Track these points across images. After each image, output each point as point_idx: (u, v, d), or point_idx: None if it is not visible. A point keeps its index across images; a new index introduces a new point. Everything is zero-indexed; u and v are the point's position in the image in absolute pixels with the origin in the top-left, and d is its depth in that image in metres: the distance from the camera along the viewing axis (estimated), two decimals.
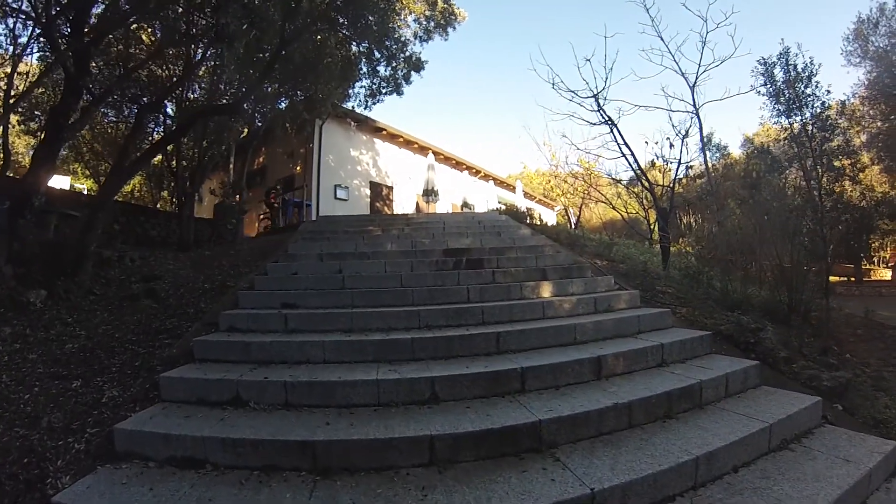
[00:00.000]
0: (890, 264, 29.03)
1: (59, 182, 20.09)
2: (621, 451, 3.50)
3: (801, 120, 12.42)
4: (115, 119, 17.78)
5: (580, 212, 23.99)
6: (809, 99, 12.37)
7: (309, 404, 4.05)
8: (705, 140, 16.11)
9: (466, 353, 4.95)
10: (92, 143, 18.78)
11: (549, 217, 31.65)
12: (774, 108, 14.09)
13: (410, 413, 3.88)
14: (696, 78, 10.40)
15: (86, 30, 9.09)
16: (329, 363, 4.75)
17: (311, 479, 3.22)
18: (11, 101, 12.47)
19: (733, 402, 4.53)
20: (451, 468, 3.32)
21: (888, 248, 28.29)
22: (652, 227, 17.73)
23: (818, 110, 12.58)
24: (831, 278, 9.07)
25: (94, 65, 12.58)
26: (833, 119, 14.25)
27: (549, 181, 29.94)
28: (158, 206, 21.64)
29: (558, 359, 4.69)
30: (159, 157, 18.26)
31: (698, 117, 10.57)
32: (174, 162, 15.93)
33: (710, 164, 14.72)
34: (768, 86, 13.52)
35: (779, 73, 13.21)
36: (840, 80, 31.85)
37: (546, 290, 6.95)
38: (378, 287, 6.96)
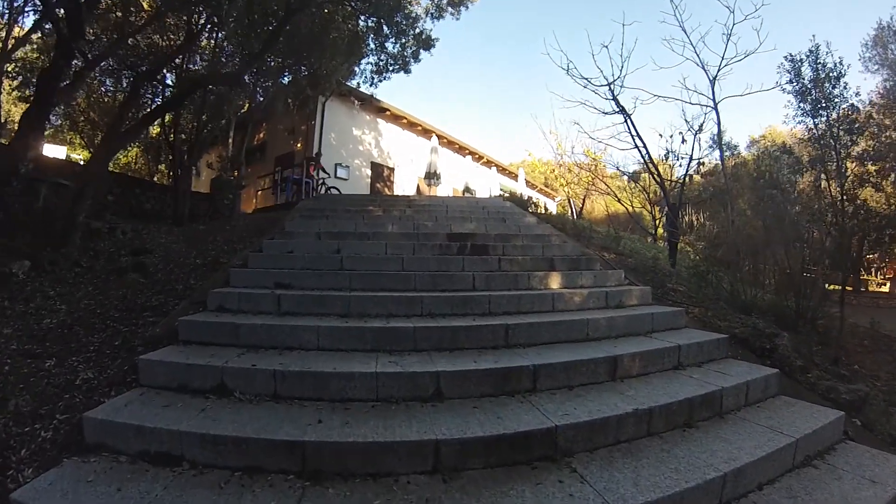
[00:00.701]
0: (888, 276, 28.66)
1: (55, 152, 19.67)
2: (642, 462, 3.17)
3: (828, 121, 12.07)
4: (112, 88, 17.41)
5: (583, 203, 23.62)
6: (837, 100, 12.02)
7: (300, 396, 3.70)
8: (717, 138, 15.77)
9: (473, 345, 4.59)
10: (88, 112, 18.34)
11: (550, 207, 31.29)
12: (800, 106, 13.75)
13: (412, 411, 3.53)
14: (718, 71, 9.98)
15: None
16: (323, 350, 4.39)
17: (300, 484, 2.86)
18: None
19: (754, 413, 4.23)
20: (457, 478, 2.96)
21: (888, 261, 27.90)
22: (657, 222, 17.45)
23: (845, 112, 12.23)
24: (827, 287, 8.75)
25: (90, 30, 12.22)
26: (862, 121, 13.83)
27: (553, 170, 29.55)
28: (155, 179, 21.23)
29: (571, 356, 4.35)
30: (157, 129, 18.02)
31: (717, 112, 10.18)
32: (172, 134, 15.57)
33: (723, 162, 14.34)
34: (795, 84, 13.12)
35: (807, 71, 12.82)
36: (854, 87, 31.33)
37: (555, 282, 6.61)
38: (378, 270, 6.58)
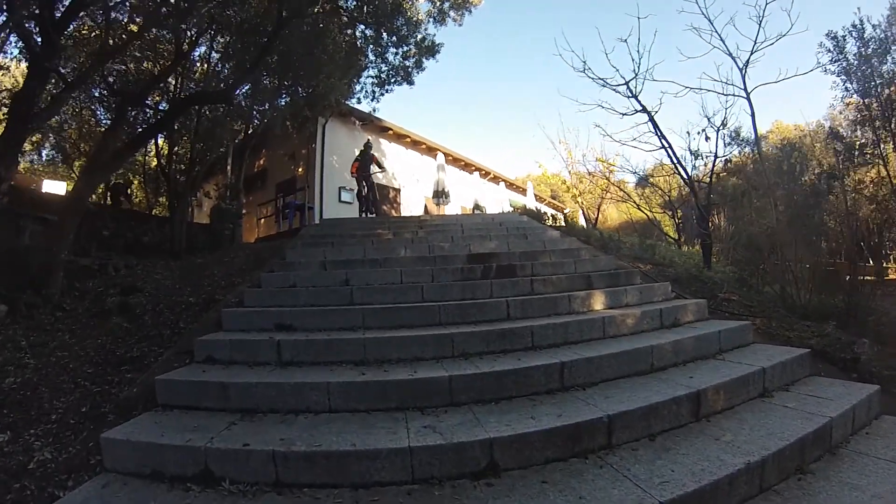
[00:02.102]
0: None
1: (55, 188, 18.91)
2: None
3: (879, 100, 11.18)
4: (105, 117, 16.70)
5: (598, 212, 22.79)
6: (887, 77, 11.15)
7: (311, 483, 2.78)
8: (735, 134, 14.90)
9: (523, 391, 3.68)
10: (79, 144, 17.61)
11: (560, 219, 30.57)
12: (846, 87, 12.92)
13: (462, 495, 2.64)
14: (750, 56, 9.08)
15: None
16: (337, 413, 3.47)
17: None
18: None
19: (865, 442, 3.52)
20: None
21: None
22: (679, 225, 16.59)
23: None
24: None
25: (69, 54, 11.57)
26: None
27: (564, 181, 28.85)
28: (154, 211, 20.51)
29: (646, 396, 3.49)
30: (153, 161, 17.34)
31: (749, 102, 9.27)
32: (167, 164, 14.89)
33: (747, 155, 13.45)
34: (839, 63, 12.25)
35: (851, 48, 11.96)
36: None
37: (598, 302, 5.70)
38: (395, 302, 5.67)
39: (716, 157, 10.52)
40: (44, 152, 20.05)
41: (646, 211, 17.34)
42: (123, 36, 11.51)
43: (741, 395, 3.83)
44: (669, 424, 3.36)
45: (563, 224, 13.16)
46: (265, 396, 3.59)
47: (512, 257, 7.50)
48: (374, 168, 15.31)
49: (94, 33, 11.83)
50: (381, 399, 3.53)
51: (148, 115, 14.11)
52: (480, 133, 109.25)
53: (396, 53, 15.34)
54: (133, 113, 13.29)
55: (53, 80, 10.30)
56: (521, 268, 6.86)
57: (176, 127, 14.53)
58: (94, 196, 18.11)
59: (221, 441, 3.01)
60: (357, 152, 15.53)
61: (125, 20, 11.92)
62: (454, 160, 24.22)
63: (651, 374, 4.13)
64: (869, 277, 9.12)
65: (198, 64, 15.25)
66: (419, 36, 15.06)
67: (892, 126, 11.03)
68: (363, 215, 15.22)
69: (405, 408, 3.48)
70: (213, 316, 5.67)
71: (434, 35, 15.71)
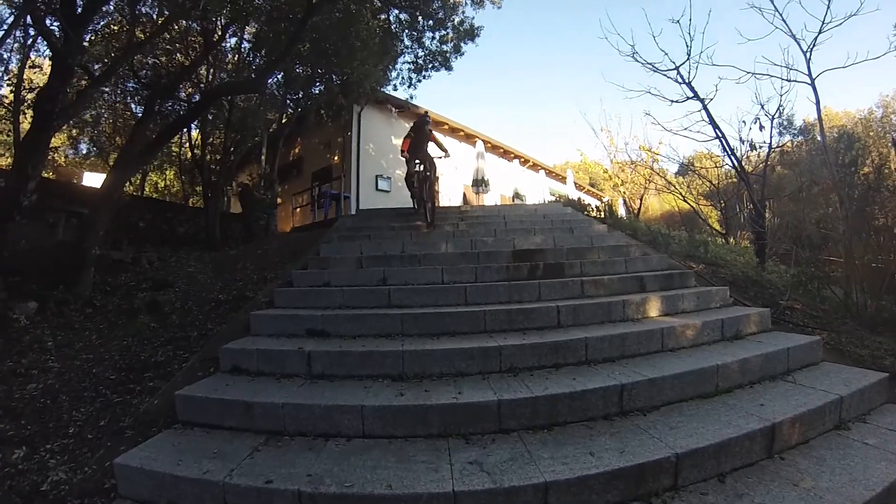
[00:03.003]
0: None
1: (97, 181, 19.02)
2: None
3: None
4: (138, 111, 16.71)
5: (640, 203, 22.16)
6: None
7: None
8: (788, 122, 14.16)
9: (578, 417, 3.28)
10: (113, 137, 17.61)
11: (593, 202, 30.02)
12: None
13: None
14: (816, 39, 8.37)
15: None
16: (371, 439, 3.12)
17: None
18: None
19: None
20: None
21: None
22: (729, 219, 15.93)
23: None
24: None
25: (95, 49, 11.53)
26: None
27: (606, 170, 28.26)
28: (190, 201, 20.50)
29: (715, 429, 3.06)
30: (188, 151, 17.29)
31: (815, 89, 8.53)
32: (202, 154, 14.91)
33: (800, 144, 12.75)
34: None
35: None
36: None
37: (654, 308, 5.23)
38: (436, 305, 5.29)
39: (770, 147, 9.89)
40: (82, 146, 20.11)
41: (692, 202, 16.69)
42: (150, 29, 11.37)
43: (817, 428, 3.38)
44: (741, 462, 2.95)
45: (607, 216, 12.59)
46: (293, 418, 3.26)
47: (559, 254, 7.04)
48: (434, 150, 10.87)
49: (123, 28, 11.70)
50: (422, 425, 3.16)
51: (179, 107, 14.01)
52: (521, 118, 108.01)
53: (433, 38, 14.99)
54: (164, 105, 13.18)
55: (86, 77, 10.18)
56: (569, 266, 6.41)
57: (210, 117, 14.43)
58: (129, 187, 18.22)
59: (242, 475, 2.68)
60: (409, 129, 11.28)
61: (154, 13, 11.81)
62: (493, 147, 23.64)
63: (716, 396, 3.68)
64: None
65: (230, 54, 15.10)
66: (457, 19, 14.68)
67: None
68: (416, 209, 11.32)
69: (448, 435, 3.11)
70: (242, 318, 5.36)
71: (473, 18, 15.28)
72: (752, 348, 4.40)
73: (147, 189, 23.55)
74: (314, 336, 4.69)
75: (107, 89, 13.94)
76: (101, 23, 11.63)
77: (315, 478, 2.61)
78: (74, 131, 17.63)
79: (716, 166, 13.96)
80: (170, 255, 10.39)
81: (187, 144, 17.73)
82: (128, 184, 17.71)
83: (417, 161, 10.41)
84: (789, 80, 8.93)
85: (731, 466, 2.91)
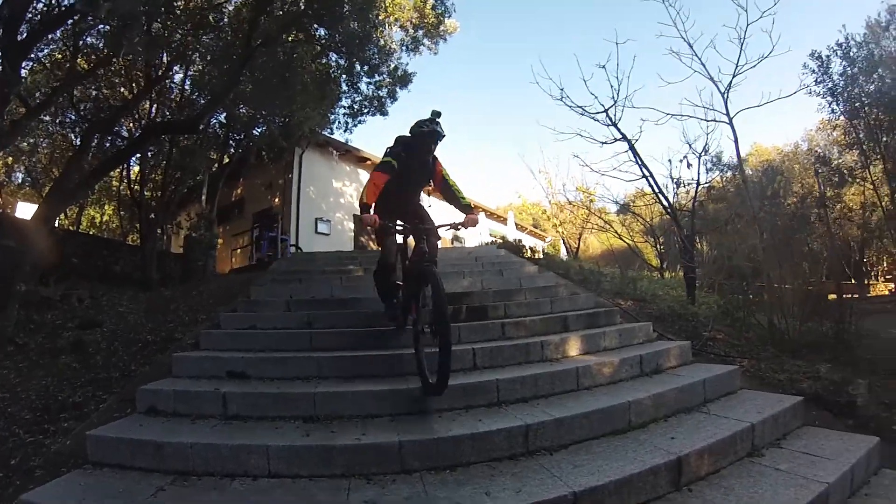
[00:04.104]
0: (888, 277, 27.96)
1: (30, 211, 18.63)
2: None
3: (867, 121, 11.16)
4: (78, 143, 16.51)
5: (579, 242, 22.71)
6: (875, 97, 11.13)
7: None
8: (716, 159, 14.84)
9: (483, 457, 3.36)
10: (49, 168, 17.29)
11: (541, 249, 30.58)
12: (831, 108, 12.91)
13: None
14: (732, 79, 8.95)
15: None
16: (276, 479, 3.17)
17: None
18: None
19: None
20: None
21: (884, 262, 27.23)
22: (662, 252, 16.47)
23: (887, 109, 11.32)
24: (831, 297, 8.13)
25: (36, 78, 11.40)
26: None
27: (545, 211, 28.88)
28: (129, 238, 20.13)
29: (619, 466, 3.16)
30: (127, 188, 17.05)
31: (732, 127, 9.12)
32: (140, 191, 14.55)
33: (729, 180, 13.39)
34: (825, 83, 12.24)
35: (836, 68, 11.97)
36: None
37: (574, 347, 5.39)
38: (354, 348, 5.31)
39: (698, 183, 10.39)
40: (17, 175, 19.72)
41: (626, 240, 17.23)
42: (94, 60, 11.35)
43: (728, 457, 3.52)
44: (646, 496, 3.05)
45: (542, 256, 12.92)
46: (202, 458, 3.29)
47: (485, 297, 7.20)
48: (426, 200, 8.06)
49: (67, 57, 11.65)
50: (326, 465, 3.22)
51: (120, 142, 13.91)
52: (462, 160, 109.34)
53: (369, 83, 15.34)
54: (103, 139, 13.08)
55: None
56: (493, 309, 6.53)
57: (149, 154, 14.33)
58: (65, 221, 17.80)
59: None
60: (387, 150, 5.36)
61: (101, 44, 11.78)
62: (432, 190, 23.83)
63: (629, 432, 3.80)
64: (854, 295, 9.05)
65: (175, 90, 15.10)
66: (392, 65, 15.13)
67: (881, 148, 11.02)
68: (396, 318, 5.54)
69: (351, 475, 3.17)
70: (167, 359, 5.33)
71: (407, 64, 15.81)
72: (669, 382, 4.60)
73: (84, 223, 23.01)
74: (234, 378, 4.70)
75: (46, 118, 13.75)
76: (46, 50, 11.56)
77: None
78: (10, 159, 17.29)
79: (647, 204, 14.48)
80: (102, 294, 10.17)
81: (126, 180, 17.46)
82: (63, 217, 17.36)
83: (399, 225, 5.03)
84: (707, 120, 9.50)
85: (636, 501, 3.00)
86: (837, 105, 12.53)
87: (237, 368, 4.80)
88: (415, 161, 5.13)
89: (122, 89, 13.74)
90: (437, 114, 4.97)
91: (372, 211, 4.88)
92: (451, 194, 5.46)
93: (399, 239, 5.21)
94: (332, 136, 17.80)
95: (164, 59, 12.31)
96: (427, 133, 4.94)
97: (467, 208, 5.37)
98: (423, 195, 6.12)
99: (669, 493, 3.13)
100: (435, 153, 5.33)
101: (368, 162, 20.75)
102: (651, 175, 9.96)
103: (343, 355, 5.02)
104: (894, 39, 18.08)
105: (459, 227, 5.16)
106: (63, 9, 8.71)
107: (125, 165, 15.08)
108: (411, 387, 4.17)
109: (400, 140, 5.34)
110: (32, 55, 10.12)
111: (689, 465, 3.26)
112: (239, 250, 19.76)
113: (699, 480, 3.27)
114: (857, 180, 14.86)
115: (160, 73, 12.51)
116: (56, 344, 6.68)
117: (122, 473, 3.33)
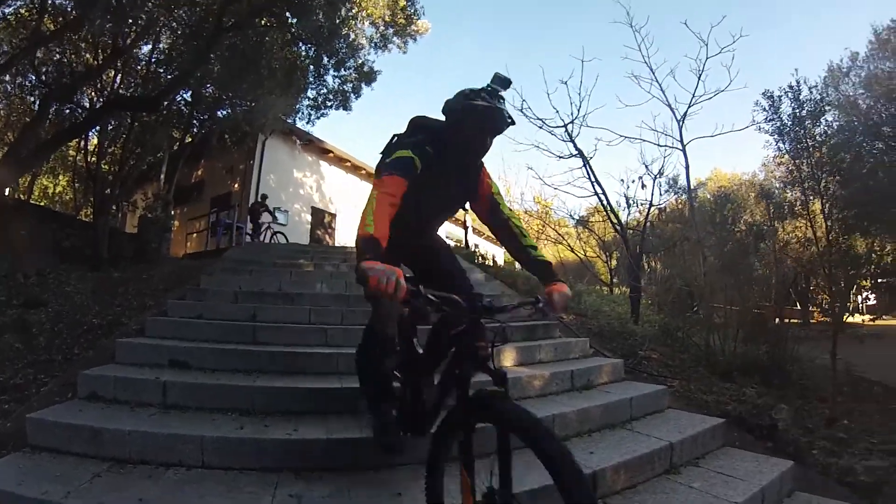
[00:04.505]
0: (825, 308, 29.37)
1: None
2: None
3: (810, 161, 11.76)
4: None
5: None
6: (819, 140, 11.74)
7: None
8: (672, 181, 15.38)
9: (406, 459, 3.52)
10: (5, 132, 16.82)
11: (497, 253, 30.71)
12: (779, 147, 13.47)
13: None
14: (688, 108, 9.47)
15: None
16: (209, 470, 3.33)
17: None
18: None
19: None
20: None
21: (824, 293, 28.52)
22: (613, 270, 16.89)
23: (830, 152, 11.93)
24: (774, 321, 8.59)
25: None
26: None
27: None
28: (83, 214, 19.66)
29: (533, 478, 3.18)
30: (83, 159, 16.73)
31: (685, 154, 9.63)
32: (96, 164, 14.31)
33: (684, 203, 13.94)
34: (774, 122, 12.81)
35: (786, 108, 12.53)
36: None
37: (509, 358, 5.58)
38: (295, 345, 5.50)
39: (651, 204, 10.81)
40: None
41: (578, 253, 17.62)
42: (60, 22, 11.18)
43: (645, 473, 3.72)
44: None
45: (493, 265, 13.20)
46: (138, 446, 3.43)
47: None
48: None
49: (33, 16, 11.45)
50: (257, 458, 3.40)
51: (80, 112, 13.71)
52: None
53: (336, 76, 15.53)
54: (62, 107, 12.90)
55: None
56: None
57: (109, 127, 14.14)
58: (15, 191, 17.37)
59: (77, 497, 2.85)
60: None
61: (69, 6, 11.58)
62: None
63: None
64: (794, 320, 9.50)
65: (143, 63, 14.91)
66: (360, 60, 15.29)
67: (821, 187, 11.62)
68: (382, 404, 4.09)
69: (281, 469, 3.36)
70: (111, 345, 5.42)
71: (374, 62, 16.00)
72: (597, 398, 4.81)
73: (36, 193, 22.41)
74: (176, 367, 4.82)
75: (6, 77, 13.44)
76: (13, 6, 11.36)
77: (144, 503, 2.86)
78: None
79: (603, 220, 14.88)
80: (49, 271, 10.08)
81: (83, 151, 17.09)
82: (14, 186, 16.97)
83: (444, 303, 2.28)
84: (660, 145, 9.98)
85: None
86: (783, 144, 13.09)
87: (180, 357, 4.94)
88: (450, 163, 2.80)
89: (87, 55, 13.49)
90: (503, 81, 2.63)
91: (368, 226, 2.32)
92: (505, 230, 3.07)
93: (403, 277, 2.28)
94: (295, 126, 17.77)
95: (134, 29, 12.16)
96: (485, 112, 2.54)
97: (544, 267, 2.88)
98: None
99: None
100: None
101: (331, 154, 20.69)
102: (604, 192, 10.38)
103: (284, 349, 5.22)
104: (853, 85, 19.01)
105: (537, 315, 2.73)
106: None
107: (83, 136, 14.85)
108: (344, 386, 4.35)
109: (421, 124, 2.99)
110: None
111: (604, 479, 3.45)
112: (195, 234, 19.55)
113: (614, 494, 3.46)
114: (798, 217, 15.53)
115: (128, 43, 12.35)
116: None
117: (59, 458, 3.42)
